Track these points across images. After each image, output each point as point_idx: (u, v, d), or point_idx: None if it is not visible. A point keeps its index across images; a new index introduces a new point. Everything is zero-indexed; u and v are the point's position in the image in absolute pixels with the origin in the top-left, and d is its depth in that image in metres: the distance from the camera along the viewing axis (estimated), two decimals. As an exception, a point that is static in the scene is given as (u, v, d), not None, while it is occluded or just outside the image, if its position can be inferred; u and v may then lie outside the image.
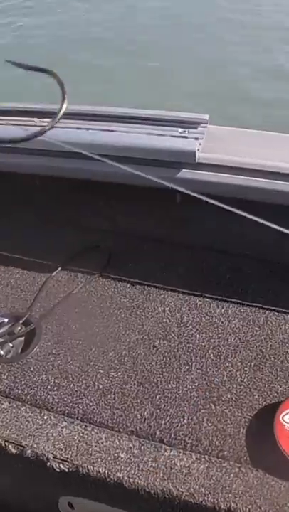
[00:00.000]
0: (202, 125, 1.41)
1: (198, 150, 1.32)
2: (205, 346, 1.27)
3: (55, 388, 1.20)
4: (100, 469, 1.03)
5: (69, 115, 1.46)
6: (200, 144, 1.34)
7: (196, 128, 1.41)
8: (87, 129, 1.43)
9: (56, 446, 1.07)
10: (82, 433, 1.10)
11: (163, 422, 1.12)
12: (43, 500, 1.26)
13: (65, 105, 0.57)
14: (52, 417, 1.14)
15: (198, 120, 1.42)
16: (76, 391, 1.19)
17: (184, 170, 1.34)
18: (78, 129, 1.44)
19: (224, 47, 5.68)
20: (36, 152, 1.44)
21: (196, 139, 1.36)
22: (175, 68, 5.12)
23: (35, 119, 1.48)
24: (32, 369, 1.24)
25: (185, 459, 1.04)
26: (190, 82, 4.81)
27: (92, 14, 6.86)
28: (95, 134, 1.41)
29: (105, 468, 1.03)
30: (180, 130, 1.40)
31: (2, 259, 1.53)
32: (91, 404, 1.16)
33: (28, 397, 1.19)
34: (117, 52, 5.64)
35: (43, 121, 1.48)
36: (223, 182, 1.31)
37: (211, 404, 1.14)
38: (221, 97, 4.47)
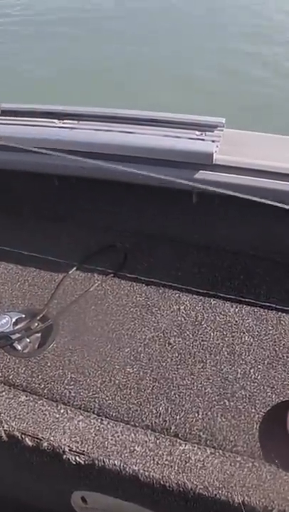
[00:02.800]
0: (219, 128, 1.44)
1: (215, 152, 1.35)
2: (219, 344, 1.29)
3: (72, 383, 1.22)
4: (116, 462, 1.05)
5: (89, 117, 1.49)
6: (217, 147, 1.37)
7: (212, 131, 1.44)
8: (107, 130, 1.46)
9: (72, 440, 1.09)
10: (99, 427, 1.12)
11: (178, 417, 1.14)
12: (55, 495, 1.28)
13: None
14: (68, 411, 1.16)
15: (215, 123, 1.45)
16: (92, 386, 1.21)
17: (201, 171, 1.36)
18: (97, 130, 1.47)
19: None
20: (55, 152, 1.48)
21: (213, 141, 1.38)
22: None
23: (54, 121, 1.52)
24: (49, 364, 1.27)
25: (200, 453, 1.05)
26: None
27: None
28: (114, 135, 1.44)
29: (121, 461, 1.05)
30: (197, 133, 1.43)
31: (20, 257, 1.56)
32: (107, 398, 1.18)
33: (45, 391, 1.21)
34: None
35: (63, 123, 1.51)
36: (239, 183, 1.34)
37: (225, 401, 1.16)
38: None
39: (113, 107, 1.56)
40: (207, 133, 1.43)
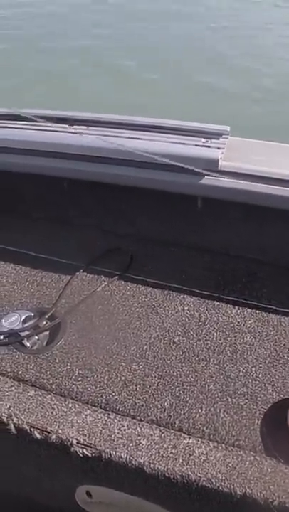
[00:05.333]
0: (224, 136, 1.49)
1: (220, 158, 1.40)
2: (222, 344, 1.33)
3: (80, 379, 1.26)
4: (122, 455, 1.08)
5: (98, 123, 1.54)
6: (222, 153, 1.42)
7: (217, 138, 1.49)
8: (115, 136, 1.51)
9: (80, 433, 1.12)
10: (106, 420, 1.15)
11: (182, 412, 1.17)
12: (60, 490, 1.31)
13: None
14: (76, 405, 1.19)
15: (219, 131, 1.50)
16: (100, 382, 1.25)
17: (206, 177, 1.41)
18: (106, 136, 1.51)
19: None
20: (63, 156, 1.53)
21: (219, 148, 1.43)
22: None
23: (65, 125, 1.57)
24: (57, 360, 1.31)
25: (203, 447, 1.09)
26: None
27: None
28: (122, 141, 1.48)
29: (127, 453, 1.08)
30: (203, 140, 1.48)
31: (29, 258, 1.61)
32: (114, 394, 1.22)
33: (54, 386, 1.25)
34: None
35: (73, 128, 1.56)
36: (243, 189, 1.38)
37: (228, 397, 1.20)
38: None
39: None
40: (212, 140, 1.47)
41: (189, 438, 1.11)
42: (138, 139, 1.50)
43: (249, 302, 1.43)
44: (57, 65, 5.80)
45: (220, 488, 1.02)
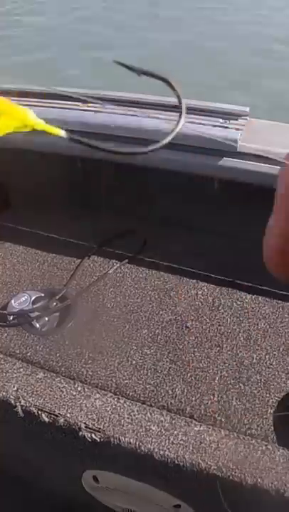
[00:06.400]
0: (243, 117, 1.44)
1: (239, 139, 1.35)
2: (236, 330, 1.30)
3: (90, 362, 1.24)
4: (131, 440, 1.06)
5: (114, 101, 1.50)
6: (241, 135, 1.37)
7: (236, 119, 1.44)
8: (131, 115, 1.46)
9: (89, 417, 1.10)
10: (115, 405, 1.13)
11: (194, 398, 1.15)
12: (67, 474, 1.29)
13: (182, 121, 0.50)
14: (85, 389, 1.17)
15: (239, 112, 1.45)
16: (110, 365, 1.23)
17: (224, 158, 1.37)
18: (121, 114, 1.47)
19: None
20: (79, 135, 1.48)
21: (237, 129, 1.39)
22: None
23: (79, 103, 1.53)
24: (67, 342, 1.29)
25: (214, 435, 1.07)
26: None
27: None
28: (138, 120, 1.44)
29: (136, 439, 1.06)
30: (221, 120, 1.43)
31: (40, 238, 1.58)
32: (124, 378, 1.20)
33: (63, 368, 1.23)
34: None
35: (88, 106, 1.52)
36: (262, 171, 1.34)
37: (241, 385, 1.17)
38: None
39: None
40: (231, 121, 1.43)
41: (200, 425, 1.09)
42: (155, 117, 1.45)
43: (264, 288, 1.40)
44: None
45: (230, 477, 1.00)
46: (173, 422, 1.10)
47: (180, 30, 6.35)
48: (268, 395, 1.15)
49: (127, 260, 1.51)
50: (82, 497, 1.27)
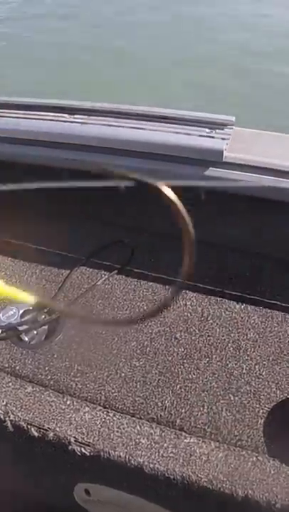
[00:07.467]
0: (228, 126, 1.45)
1: (225, 149, 1.36)
2: (225, 340, 1.30)
3: (78, 375, 1.23)
4: (121, 454, 1.05)
5: (100, 112, 1.50)
6: (227, 144, 1.38)
7: (222, 129, 1.44)
8: (117, 126, 1.47)
9: (78, 431, 1.09)
10: (104, 418, 1.13)
11: (183, 410, 1.15)
12: (58, 488, 1.28)
13: None
14: (74, 402, 1.17)
15: (224, 121, 1.46)
16: (99, 378, 1.22)
17: (211, 168, 1.37)
18: (108, 125, 1.47)
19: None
20: (65, 146, 1.48)
21: (223, 139, 1.39)
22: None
23: (65, 115, 1.53)
24: (56, 356, 1.28)
25: (204, 447, 1.06)
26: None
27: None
28: (125, 131, 1.45)
29: (126, 453, 1.05)
30: (207, 130, 1.43)
31: (27, 250, 1.57)
32: (113, 391, 1.19)
33: (52, 382, 1.22)
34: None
35: (74, 118, 1.52)
36: (248, 181, 1.34)
37: (230, 395, 1.17)
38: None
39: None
40: (217, 130, 1.43)
41: (190, 437, 1.09)
42: (141, 128, 1.46)
43: (253, 297, 1.40)
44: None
45: (221, 489, 0.99)
46: (163, 434, 1.09)
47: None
48: (258, 406, 1.15)
49: (115, 271, 1.50)
50: (75, 510, 1.26)
